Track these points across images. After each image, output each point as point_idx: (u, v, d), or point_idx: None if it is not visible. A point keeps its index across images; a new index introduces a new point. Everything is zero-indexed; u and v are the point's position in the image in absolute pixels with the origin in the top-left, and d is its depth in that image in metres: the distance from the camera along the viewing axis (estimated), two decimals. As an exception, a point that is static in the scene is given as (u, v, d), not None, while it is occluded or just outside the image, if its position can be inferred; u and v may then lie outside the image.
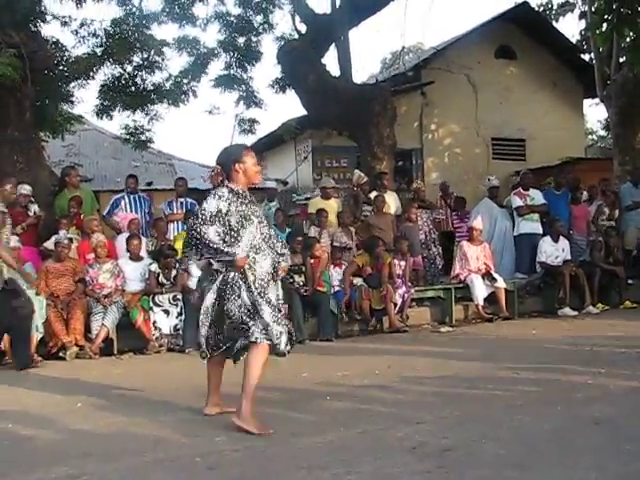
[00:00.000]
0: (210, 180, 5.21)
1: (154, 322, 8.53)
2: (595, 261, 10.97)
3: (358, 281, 9.72)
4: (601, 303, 10.68)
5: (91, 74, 11.67)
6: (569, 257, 10.90)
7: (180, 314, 8.63)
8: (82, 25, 11.89)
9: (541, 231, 11.28)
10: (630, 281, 11.28)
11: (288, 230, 10.57)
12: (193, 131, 53.16)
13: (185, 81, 13.33)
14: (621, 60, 14.66)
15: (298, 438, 4.31)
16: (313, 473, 3.61)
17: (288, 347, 4.66)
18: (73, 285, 8.60)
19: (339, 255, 9.96)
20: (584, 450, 3.83)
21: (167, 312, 8.62)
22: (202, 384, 5.07)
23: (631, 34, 11.12)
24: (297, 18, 13.83)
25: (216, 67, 14.40)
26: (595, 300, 10.65)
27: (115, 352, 8.38)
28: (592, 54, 16.24)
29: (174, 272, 8.84)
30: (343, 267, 9.81)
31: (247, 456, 4.00)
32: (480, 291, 10.13)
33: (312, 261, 9.53)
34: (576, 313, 10.30)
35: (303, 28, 13.69)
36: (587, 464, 3.57)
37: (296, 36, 13.97)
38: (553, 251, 10.87)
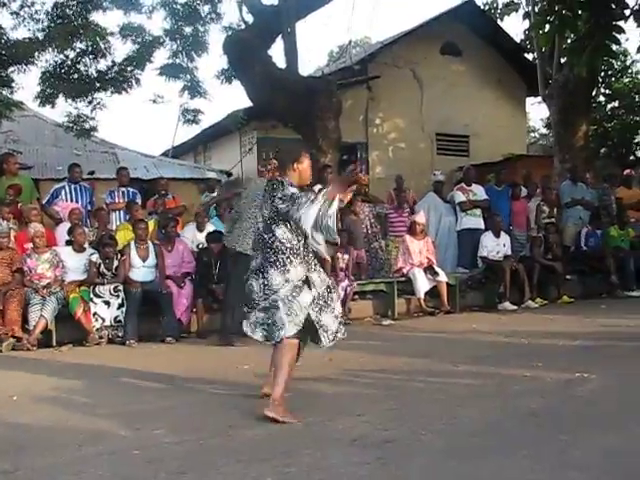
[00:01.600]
0: (260, 174, 5.16)
1: (94, 313, 8.38)
2: (535, 257, 11.17)
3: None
4: (540, 298, 10.88)
5: (32, 59, 11.38)
6: (510, 252, 11.07)
7: (121, 305, 8.49)
8: (22, 7, 11.59)
9: (483, 226, 11.42)
10: (568, 276, 11.53)
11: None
12: (137, 120, 52.42)
13: (129, 69, 13.11)
14: (562, 60, 14.94)
15: (239, 430, 4.29)
16: (253, 465, 3.60)
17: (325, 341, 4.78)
18: (10, 275, 8.40)
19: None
20: (521, 441, 3.90)
21: (108, 303, 8.48)
22: (142, 375, 5.01)
23: (572, 36, 11.32)
24: (244, 8, 13.72)
25: (162, 56, 14.21)
26: (534, 295, 10.85)
27: (54, 344, 8.22)
28: (535, 54, 16.51)
29: (115, 262, 8.71)
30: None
31: (187, 449, 3.96)
32: (422, 285, 10.23)
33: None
34: (516, 307, 10.48)
35: (250, 19, 13.60)
36: (523, 454, 3.63)
37: (243, 27, 13.87)
38: (494, 246, 11.03)
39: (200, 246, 9.49)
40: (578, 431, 4.06)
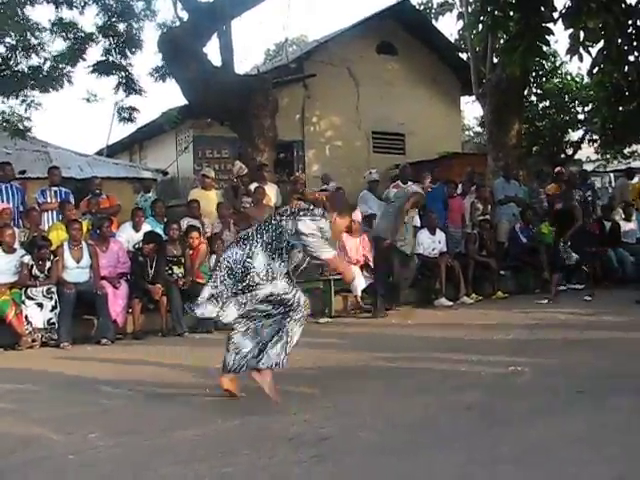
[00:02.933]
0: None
1: (26, 316, 8.18)
2: (470, 253, 11.35)
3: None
4: (475, 293, 11.08)
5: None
6: (445, 249, 11.22)
7: (55, 307, 8.32)
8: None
9: (419, 223, 11.55)
10: (502, 272, 11.76)
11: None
12: (70, 118, 51.42)
13: (61, 66, 12.84)
14: (495, 60, 15.22)
15: (175, 431, 4.26)
16: (190, 466, 3.57)
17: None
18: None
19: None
20: (455, 435, 3.97)
21: (41, 305, 8.30)
22: (77, 378, 4.93)
23: (504, 36, 11.54)
24: (179, 5, 13.60)
25: (95, 52, 13.95)
26: (469, 291, 11.04)
27: (-16, 348, 8.00)
28: (469, 53, 16.78)
29: (48, 264, 8.52)
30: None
31: (122, 452, 3.92)
32: (359, 282, 10.28)
33: (191, 252, 9.42)
34: (451, 303, 10.64)
35: (185, 16, 13.48)
36: (457, 447, 3.70)
37: (178, 24, 13.74)
38: (430, 243, 11.16)
39: (136, 246, 9.37)
40: (510, 424, 4.15)
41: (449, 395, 4.97)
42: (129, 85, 13.75)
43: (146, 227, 9.79)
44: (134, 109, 14.22)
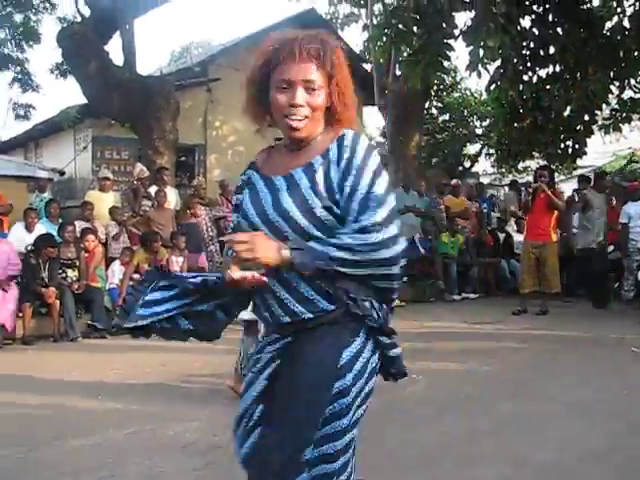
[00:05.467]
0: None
1: None
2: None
3: (138, 277, 9.46)
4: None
5: None
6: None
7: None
8: None
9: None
10: (399, 281, 11.93)
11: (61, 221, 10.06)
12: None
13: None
14: (398, 73, 15.50)
15: (64, 441, 4.13)
16: (79, 477, 3.48)
17: None
18: None
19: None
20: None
21: None
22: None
23: (408, 50, 11.79)
24: (80, 0, 13.26)
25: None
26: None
27: None
28: (373, 64, 17.01)
29: None
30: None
31: (7, 463, 3.77)
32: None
33: (86, 255, 9.17)
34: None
35: (87, 12, 13.13)
36: (357, 451, 3.72)
37: (79, 19, 13.38)
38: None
39: (28, 248, 9.02)
40: (409, 429, 4.23)
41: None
42: (25, 81, 13.29)
43: (39, 228, 9.45)
44: (30, 106, 13.77)
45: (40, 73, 17.47)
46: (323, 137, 2.10)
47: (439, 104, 21.94)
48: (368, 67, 18.84)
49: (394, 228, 1.98)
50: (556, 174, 12.82)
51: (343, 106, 2.13)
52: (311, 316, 1.96)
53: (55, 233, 9.21)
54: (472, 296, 11.94)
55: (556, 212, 9.87)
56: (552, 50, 11.53)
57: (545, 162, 13.68)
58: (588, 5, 11.74)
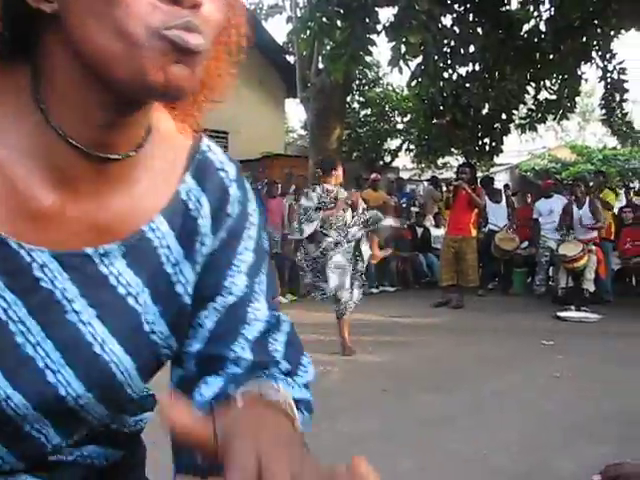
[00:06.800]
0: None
1: None
2: (285, 253, 11.49)
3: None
4: (291, 294, 11.23)
5: None
6: (264, 249, 11.25)
7: None
8: None
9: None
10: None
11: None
12: None
13: None
14: (321, 66, 15.51)
15: None
16: None
17: None
18: None
19: None
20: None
21: None
22: None
23: (331, 43, 11.81)
24: None
25: None
26: (285, 290, 11.17)
27: None
28: (296, 57, 16.97)
29: None
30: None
31: None
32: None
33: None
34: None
35: None
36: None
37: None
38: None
39: None
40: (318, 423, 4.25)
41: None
42: None
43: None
44: None
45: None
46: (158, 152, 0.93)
47: (361, 98, 22.04)
48: (291, 59, 18.81)
49: None
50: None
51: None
52: None
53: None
54: (390, 289, 12.09)
55: (476, 209, 10.10)
56: (472, 49, 11.77)
57: (463, 159, 13.96)
58: (507, 7, 12.04)
